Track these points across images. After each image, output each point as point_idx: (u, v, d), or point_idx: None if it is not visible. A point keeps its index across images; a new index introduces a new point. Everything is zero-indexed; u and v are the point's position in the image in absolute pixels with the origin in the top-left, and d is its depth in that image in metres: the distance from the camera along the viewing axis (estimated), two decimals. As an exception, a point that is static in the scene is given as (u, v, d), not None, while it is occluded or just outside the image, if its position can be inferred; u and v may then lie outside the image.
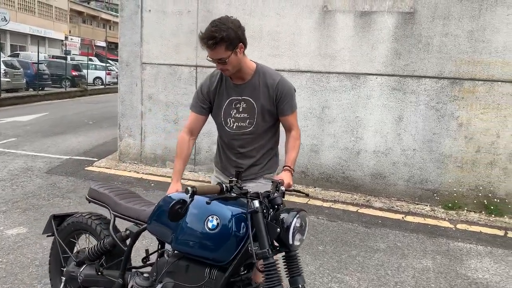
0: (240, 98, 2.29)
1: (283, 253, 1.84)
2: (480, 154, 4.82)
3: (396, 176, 5.16)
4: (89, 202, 2.47)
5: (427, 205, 5.02)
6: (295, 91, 2.37)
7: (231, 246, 1.78)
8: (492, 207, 4.76)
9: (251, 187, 2.40)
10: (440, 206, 4.98)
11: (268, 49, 5.44)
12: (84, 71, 20.55)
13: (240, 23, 2.17)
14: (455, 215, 4.81)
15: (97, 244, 2.30)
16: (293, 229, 1.74)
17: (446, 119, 4.89)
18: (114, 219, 2.30)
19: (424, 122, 4.96)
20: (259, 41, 5.46)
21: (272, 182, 1.96)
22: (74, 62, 21.87)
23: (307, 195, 2.10)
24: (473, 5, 4.63)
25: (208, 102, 2.36)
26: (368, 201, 5.13)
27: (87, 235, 2.46)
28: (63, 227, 2.48)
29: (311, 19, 5.22)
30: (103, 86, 22.06)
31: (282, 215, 1.78)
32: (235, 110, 2.31)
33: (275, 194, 1.86)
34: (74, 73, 19.72)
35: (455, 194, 4.94)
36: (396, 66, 4.96)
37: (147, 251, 2.24)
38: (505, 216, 4.75)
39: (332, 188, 5.38)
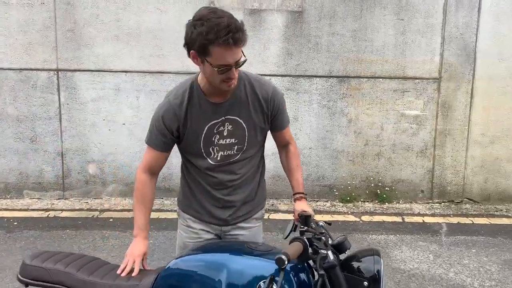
0: (223, 118, 1.74)
1: None
2: (368, 147, 5.11)
3: (294, 176, 5.11)
4: (27, 286, 1.63)
5: (327, 201, 5.12)
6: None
7: None
8: (384, 195, 5.11)
9: (246, 236, 1.92)
10: (337, 200, 5.13)
11: (149, 48, 4.76)
12: None
13: None
14: (353, 207, 5.01)
15: None
16: (383, 278, 1.40)
17: (337, 116, 5.03)
18: None
19: (318, 120, 5.02)
20: (138, 40, 4.75)
21: (303, 217, 1.58)
22: None
23: (329, 224, 1.74)
24: (355, 5, 4.83)
25: (174, 135, 1.75)
26: (273, 205, 4.96)
27: None
28: None
29: (197, 16, 4.75)
30: None
31: (359, 263, 1.42)
32: (218, 136, 1.76)
33: (340, 238, 1.48)
34: None
35: (349, 187, 5.15)
36: (289, 66, 4.88)
37: None
38: (394, 202, 5.16)
39: (232, 196, 5.04)
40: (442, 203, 5.22)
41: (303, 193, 1.88)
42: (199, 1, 4.71)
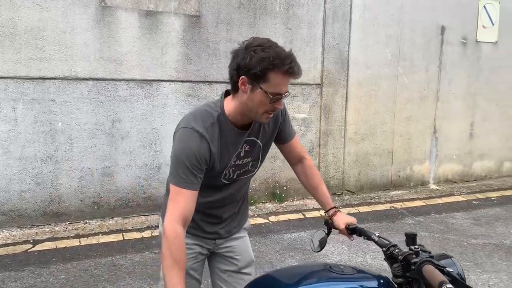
0: (242, 142, 1.69)
1: None
2: (264, 150, 5.29)
3: (196, 184, 4.98)
4: None
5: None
6: None
7: None
8: (283, 195, 5.36)
9: (239, 246, 1.93)
10: (239, 205, 5.18)
11: (28, 50, 4.04)
12: None
13: None
14: (256, 209, 5.14)
15: None
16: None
17: (236, 121, 5.07)
18: None
19: (217, 126, 4.98)
20: (13, 40, 3.98)
21: (410, 236, 1.45)
22: None
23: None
24: (249, 13, 4.94)
25: (205, 170, 1.60)
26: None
27: None
28: None
29: (87, 15, 4.22)
30: None
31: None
32: (235, 158, 1.70)
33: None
34: None
35: (251, 190, 5.26)
36: (189, 72, 4.72)
37: None
38: (290, 200, 5.46)
39: (134, 213, 4.64)
40: (328, 197, 5.74)
41: (336, 207, 1.88)
42: (89, -2, 4.20)
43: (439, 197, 5.96)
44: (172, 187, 1.54)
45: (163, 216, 1.83)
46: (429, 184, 6.48)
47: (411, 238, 1.43)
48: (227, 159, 1.64)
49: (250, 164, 1.75)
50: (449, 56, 6.27)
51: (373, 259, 3.88)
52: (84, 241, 4.03)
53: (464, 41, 6.34)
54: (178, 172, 1.53)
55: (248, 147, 1.69)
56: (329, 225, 1.85)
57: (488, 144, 6.84)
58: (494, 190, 6.29)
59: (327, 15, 5.40)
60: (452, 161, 6.62)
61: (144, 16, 4.46)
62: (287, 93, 1.53)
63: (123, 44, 4.40)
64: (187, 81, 4.73)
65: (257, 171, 1.81)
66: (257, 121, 1.61)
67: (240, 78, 1.49)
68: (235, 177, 1.72)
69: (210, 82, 4.84)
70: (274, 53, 1.44)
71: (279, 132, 1.81)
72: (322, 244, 1.82)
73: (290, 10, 5.17)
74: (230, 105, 1.60)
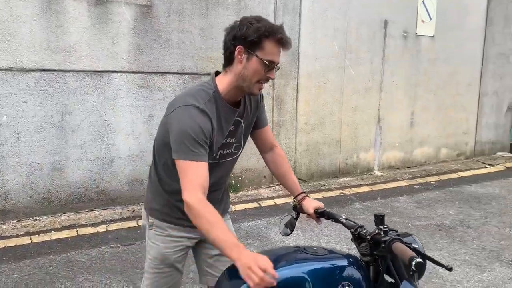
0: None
1: None
2: (218, 141, 5.33)
3: (150, 177, 4.93)
4: None
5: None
6: None
7: None
8: (238, 185, 5.43)
9: None
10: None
11: (-33, 39, 3.80)
12: None
13: None
14: (212, 200, 5.18)
15: None
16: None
17: (190, 113, 5.06)
18: None
19: (171, 118, 4.95)
20: (-50, 28, 3.72)
21: (379, 217, 1.57)
22: None
23: (449, 269, 1.36)
24: (201, 3, 4.92)
25: (209, 144, 1.64)
26: (134, 211, 4.68)
27: None
28: None
29: (32, 3, 4.02)
30: None
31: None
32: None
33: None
34: None
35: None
36: (141, 63, 4.64)
37: None
38: (245, 189, 5.55)
39: (86, 208, 4.53)
40: (280, 185, 5.89)
41: (304, 192, 1.97)
42: (33, -15, 4.00)
43: (384, 182, 6.29)
44: (182, 163, 1.53)
45: (147, 209, 1.84)
46: (374, 171, 6.82)
47: (379, 219, 1.55)
48: (221, 136, 1.68)
49: (234, 146, 1.78)
50: (392, 49, 6.60)
51: (327, 243, 4.07)
52: (36, 239, 3.89)
53: (405, 34, 6.70)
54: (187, 147, 1.53)
55: (232, 127, 1.73)
56: (298, 210, 1.94)
57: (427, 132, 7.30)
58: (433, 175, 6.74)
59: (277, 7, 5.49)
60: (395, 148, 7.00)
61: (94, 5, 4.32)
62: (279, 64, 1.63)
63: (72, 34, 4.24)
64: (139, 72, 4.65)
65: (240, 154, 1.84)
66: (250, 92, 1.67)
67: (237, 47, 1.57)
68: (218, 156, 1.72)
69: (163, 73, 4.79)
70: (268, 24, 1.58)
71: (257, 117, 1.87)
72: (291, 227, 1.90)
73: (242, 2, 5.21)
74: (223, 82, 1.66)
